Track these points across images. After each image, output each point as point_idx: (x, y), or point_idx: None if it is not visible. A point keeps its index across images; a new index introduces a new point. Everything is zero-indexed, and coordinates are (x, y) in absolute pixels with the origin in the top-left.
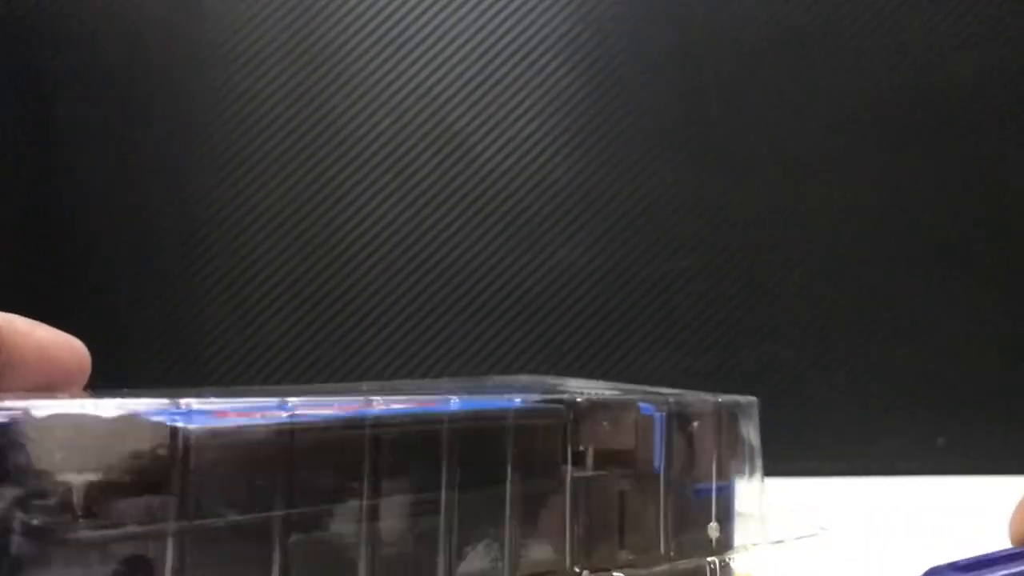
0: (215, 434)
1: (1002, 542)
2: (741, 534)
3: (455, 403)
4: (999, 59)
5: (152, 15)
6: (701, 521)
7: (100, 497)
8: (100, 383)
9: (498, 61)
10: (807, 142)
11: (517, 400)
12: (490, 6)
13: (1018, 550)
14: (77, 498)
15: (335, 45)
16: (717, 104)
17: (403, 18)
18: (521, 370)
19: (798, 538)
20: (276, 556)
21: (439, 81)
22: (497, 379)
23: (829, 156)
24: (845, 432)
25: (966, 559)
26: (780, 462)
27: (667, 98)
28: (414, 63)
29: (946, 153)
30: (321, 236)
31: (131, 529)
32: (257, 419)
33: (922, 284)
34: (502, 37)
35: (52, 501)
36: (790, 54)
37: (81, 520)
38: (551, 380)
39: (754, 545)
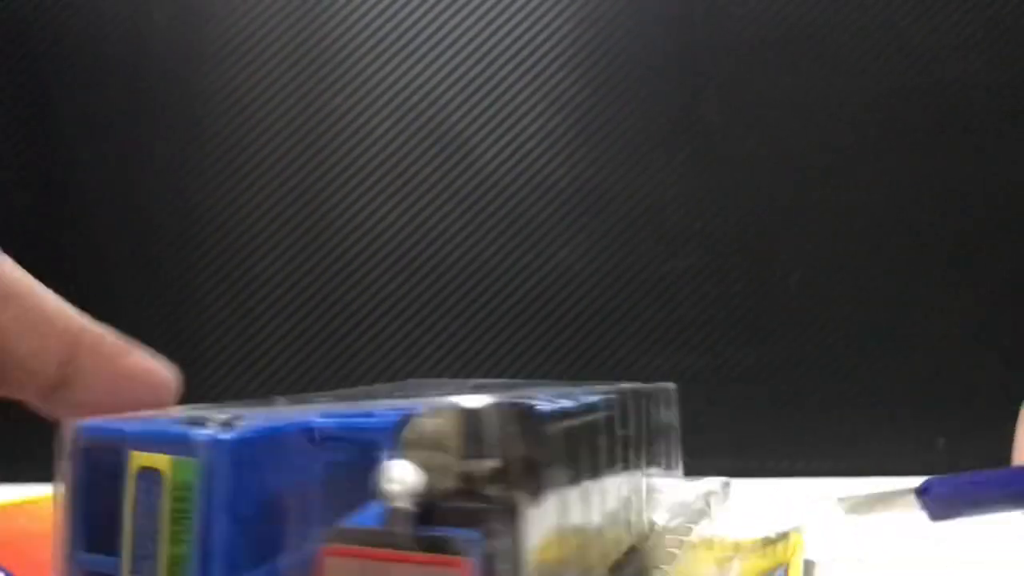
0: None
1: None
2: (660, 517)
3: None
4: (1000, 59)
5: (153, 15)
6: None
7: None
8: None
9: (499, 62)
10: (807, 142)
11: None
12: (491, 7)
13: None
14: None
15: (336, 46)
16: (717, 104)
17: (404, 20)
18: (519, 372)
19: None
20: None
21: (440, 82)
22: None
23: (829, 156)
24: (845, 432)
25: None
26: (781, 462)
27: (667, 98)
28: (415, 64)
29: (946, 153)
30: (322, 237)
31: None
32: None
33: (922, 284)
34: (503, 38)
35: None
36: (790, 54)
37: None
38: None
39: (670, 523)
